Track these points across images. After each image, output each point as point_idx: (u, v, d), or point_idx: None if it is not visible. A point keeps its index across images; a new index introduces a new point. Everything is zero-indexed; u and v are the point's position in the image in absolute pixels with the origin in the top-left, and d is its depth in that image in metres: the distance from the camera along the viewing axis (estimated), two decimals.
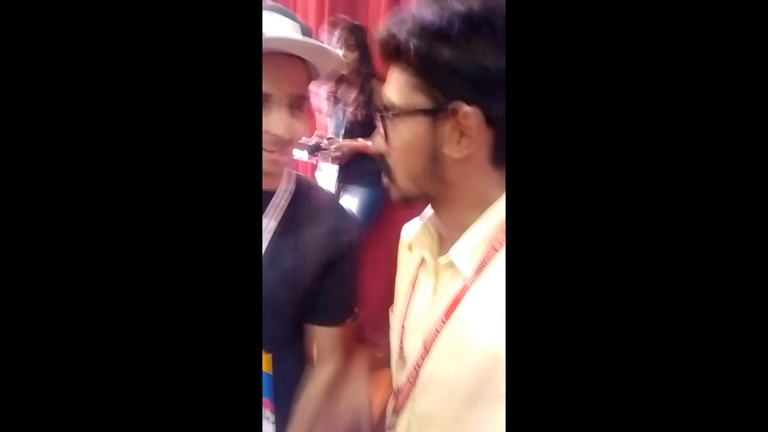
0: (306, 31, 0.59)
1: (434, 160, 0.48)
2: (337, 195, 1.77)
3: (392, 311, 0.65)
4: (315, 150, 1.84)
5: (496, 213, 0.50)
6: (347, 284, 0.70)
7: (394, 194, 0.53)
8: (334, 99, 1.86)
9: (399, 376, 0.59)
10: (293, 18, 0.59)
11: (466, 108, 0.44)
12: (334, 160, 1.83)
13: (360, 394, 0.63)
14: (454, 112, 0.45)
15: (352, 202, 1.78)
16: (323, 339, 0.69)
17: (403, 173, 0.50)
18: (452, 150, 0.47)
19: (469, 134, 0.46)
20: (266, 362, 0.65)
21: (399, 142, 0.49)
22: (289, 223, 0.64)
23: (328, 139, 1.84)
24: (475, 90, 0.44)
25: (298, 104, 0.59)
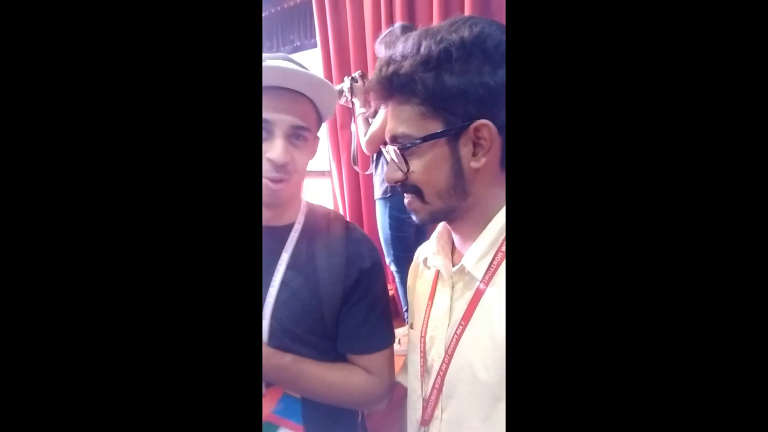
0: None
1: (457, 174, 0.52)
2: (390, 201, 1.74)
3: (411, 328, 0.68)
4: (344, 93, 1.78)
5: (502, 218, 0.50)
6: (380, 312, 0.71)
7: (421, 215, 0.56)
8: None
9: (425, 388, 0.61)
10: (296, 63, 0.65)
11: (479, 121, 0.49)
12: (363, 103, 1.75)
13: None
14: (469, 127, 0.49)
15: (401, 208, 1.76)
16: (370, 365, 0.70)
17: (432, 193, 0.54)
18: (473, 161, 0.51)
19: (483, 144, 0.50)
20: None
21: (423, 167, 0.53)
22: (300, 255, 0.68)
23: (360, 76, 1.79)
24: (480, 104, 0.49)
25: (298, 135, 0.63)
